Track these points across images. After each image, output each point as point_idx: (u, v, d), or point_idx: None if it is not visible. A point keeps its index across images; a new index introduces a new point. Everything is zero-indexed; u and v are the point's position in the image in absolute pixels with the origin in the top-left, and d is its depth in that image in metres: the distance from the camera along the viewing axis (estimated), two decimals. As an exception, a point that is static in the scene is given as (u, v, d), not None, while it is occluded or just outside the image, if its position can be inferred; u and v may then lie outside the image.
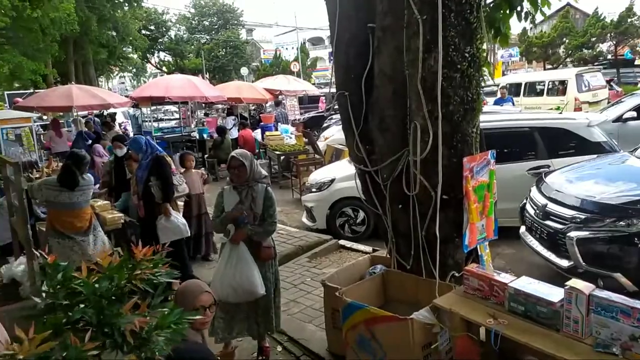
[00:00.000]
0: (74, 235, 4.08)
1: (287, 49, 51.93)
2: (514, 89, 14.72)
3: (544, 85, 14.49)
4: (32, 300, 3.99)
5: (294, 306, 4.51)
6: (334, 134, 12.41)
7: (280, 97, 16.15)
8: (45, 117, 13.50)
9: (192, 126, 14.64)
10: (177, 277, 1.91)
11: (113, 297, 1.48)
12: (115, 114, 17.29)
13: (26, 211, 4.35)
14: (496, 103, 12.10)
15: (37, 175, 4.67)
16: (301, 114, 17.65)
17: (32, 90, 17.35)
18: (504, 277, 2.55)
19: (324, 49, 54.07)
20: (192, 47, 43.37)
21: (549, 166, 5.80)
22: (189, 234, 5.26)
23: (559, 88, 13.94)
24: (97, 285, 1.46)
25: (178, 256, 4.67)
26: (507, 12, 3.15)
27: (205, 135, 13.23)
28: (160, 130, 14.04)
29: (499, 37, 3.24)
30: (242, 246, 3.49)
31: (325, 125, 14.36)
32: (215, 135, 12.17)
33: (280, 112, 14.86)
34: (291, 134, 12.28)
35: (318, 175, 7.37)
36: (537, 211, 4.63)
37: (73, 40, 24.26)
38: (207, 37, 42.89)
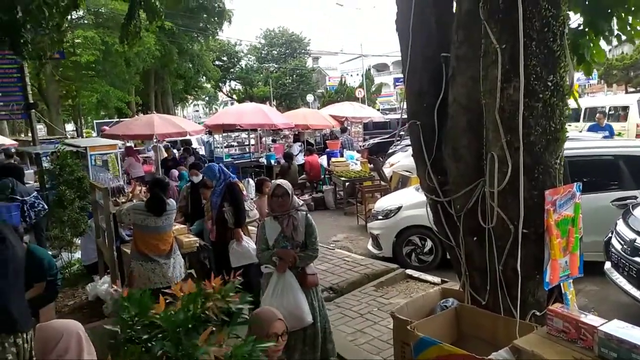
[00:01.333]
0: (157, 258, 4.29)
1: (351, 75, 52.66)
2: (573, 114, 13.87)
3: (604, 110, 13.58)
4: (114, 319, 4.22)
5: (360, 337, 4.44)
6: (400, 160, 12.32)
7: (345, 123, 16.32)
8: (120, 144, 14.49)
9: (260, 152, 15.11)
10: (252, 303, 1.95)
11: (189, 327, 1.53)
12: (190, 141, 18.25)
13: (112, 234, 4.67)
14: (591, 130, 11.29)
15: (123, 200, 5.00)
16: (365, 139, 17.70)
17: (117, 119, 18.74)
18: (592, 320, 2.37)
19: (388, 74, 54.29)
20: (261, 75, 45.15)
21: (636, 197, 5.38)
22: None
23: (620, 114, 13.06)
24: (174, 319, 1.52)
25: (248, 281, 4.77)
26: (594, 37, 3.00)
27: (272, 161, 13.59)
28: (231, 156, 14.61)
29: (582, 64, 3.10)
30: (288, 274, 3.53)
31: (390, 151, 14.29)
32: (282, 161, 12.46)
33: (345, 138, 14.99)
34: (357, 160, 12.34)
35: (384, 202, 7.31)
36: (625, 246, 4.29)
37: (154, 72, 26.07)
38: (275, 65, 44.54)
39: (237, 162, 13.92)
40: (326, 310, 3.82)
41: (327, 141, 15.56)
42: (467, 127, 2.98)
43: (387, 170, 11.20)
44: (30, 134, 20.14)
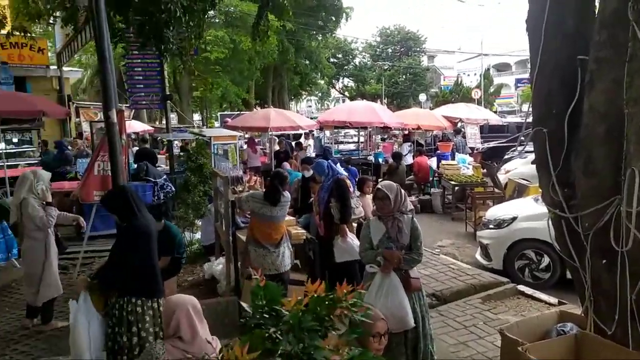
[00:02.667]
0: (268, 246, 4.54)
1: (468, 75, 50.44)
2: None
3: None
4: (226, 297, 4.53)
5: (463, 349, 4.27)
6: (517, 167, 11.57)
7: (459, 125, 15.70)
8: (246, 136, 15.49)
9: (369, 150, 15.15)
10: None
11: (310, 331, 1.58)
12: (301, 135, 18.90)
13: (230, 219, 5.02)
14: None
15: (241, 189, 5.34)
16: (481, 143, 16.85)
17: (238, 112, 20.05)
18: None
19: (509, 75, 51.09)
20: (374, 73, 45.14)
21: None
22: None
23: None
24: (301, 318, 1.58)
25: (350, 277, 4.83)
26: None
27: (380, 160, 13.55)
28: (340, 153, 14.84)
29: None
30: (393, 275, 3.49)
31: (507, 157, 13.45)
32: (391, 160, 12.36)
33: (459, 140, 14.43)
34: (469, 164, 11.82)
35: (498, 211, 6.91)
36: None
37: (273, 68, 27.40)
38: (389, 63, 44.20)
39: (345, 158, 14.11)
40: (429, 316, 3.73)
41: (438, 143, 15.11)
42: (604, 137, 2.71)
43: (502, 177, 10.57)
44: (163, 122, 22.33)
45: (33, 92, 12.44)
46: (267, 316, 1.61)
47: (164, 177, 8.69)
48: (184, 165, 8.17)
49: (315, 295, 1.65)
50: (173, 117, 25.02)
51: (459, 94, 33.37)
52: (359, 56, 46.67)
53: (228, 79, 22.87)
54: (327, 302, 1.64)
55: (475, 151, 13.54)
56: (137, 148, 11.52)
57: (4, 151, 9.37)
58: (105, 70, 5.48)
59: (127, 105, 11.08)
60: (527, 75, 39.79)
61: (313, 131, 16.64)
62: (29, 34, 9.59)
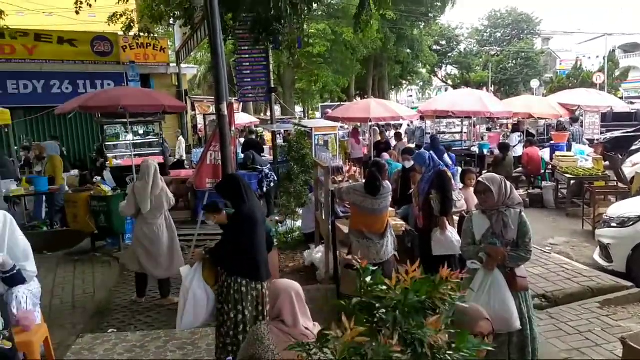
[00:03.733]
0: (372, 237, 4.55)
1: (589, 58, 45.70)
2: None
3: None
4: (325, 285, 4.65)
5: (577, 356, 3.94)
6: (646, 159, 10.34)
7: (578, 112, 14.34)
8: (346, 127, 15.64)
9: (473, 141, 14.45)
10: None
11: (418, 308, 1.59)
12: (401, 125, 18.60)
13: (330, 209, 5.12)
14: None
15: (340, 179, 5.42)
16: (601, 133, 15.26)
17: (339, 103, 20.28)
18: None
19: (639, 56, 45.45)
20: (480, 59, 42.84)
21: None
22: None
23: None
24: (406, 295, 1.59)
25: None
26: None
27: (485, 151, 12.87)
28: (442, 144, 14.35)
29: None
30: (497, 273, 3.28)
31: (634, 148, 12.05)
32: (497, 152, 11.69)
33: (576, 130, 13.20)
34: (587, 155, 10.77)
35: (621, 208, 6.23)
36: None
37: (374, 58, 27.22)
38: (498, 49, 41.63)
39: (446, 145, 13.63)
40: (535, 319, 3.49)
41: (552, 132, 13.96)
42: None
43: (628, 171, 9.49)
44: (268, 114, 23.31)
45: (155, 88, 13.71)
46: (371, 297, 1.64)
47: (268, 166, 9.11)
48: (285, 155, 8.49)
49: (417, 277, 1.65)
50: (277, 109, 26.08)
51: (578, 79, 30.44)
52: (464, 42, 44.56)
53: (330, 70, 23.19)
54: (428, 284, 1.62)
55: (596, 141, 12.29)
56: (244, 139, 12.18)
57: (132, 142, 10.45)
58: (218, 66, 5.86)
59: (236, 98, 11.73)
60: (662, 56, 35.07)
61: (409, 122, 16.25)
62: (152, 35, 10.58)
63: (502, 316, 3.18)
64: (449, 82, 44.93)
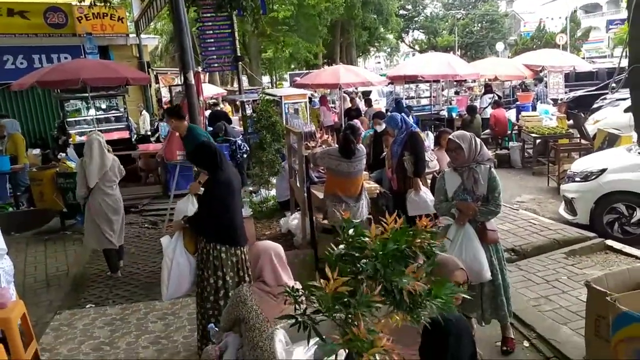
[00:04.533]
0: (347, 200, 4.59)
1: (552, 19, 46.29)
2: None
3: None
4: (303, 249, 4.71)
5: (545, 303, 4.14)
6: (607, 116, 10.69)
7: (542, 73, 14.63)
8: (315, 94, 15.51)
9: (441, 105, 14.60)
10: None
11: (397, 257, 1.63)
12: (370, 92, 18.56)
13: (304, 175, 5.12)
14: None
15: (313, 145, 5.41)
16: (566, 92, 15.64)
17: (307, 71, 20.03)
18: None
19: (600, 16, 46.33)
20: (446, 23, 42.86)
21: None
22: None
23: None
24: (385, 245, 1.63)
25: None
26: None
27: (454, 114, 13.04)
28: (411, 109, 14.46)
29: None
30: (468, 227, 3.40)
31: (596, 106, 12.42)
32: (465, 114, 11.87)
33: (541, 90, 13.47)
34: (552, 115, 11.06)
35: (585, 163, 6.47)
36: None
37: (340, 24, 26.84)
38: (463, 12, 41.68)
39: (417, 114, 13.73)
40: (507, 270, 3.63)
41: (517, 94, 14.23)
42: None
43: (590, 128, 9.81)
44: (235, 84, 22.79)
45: (115, 60, 13.16)
46: (352, 248, 1.67)
47: (240, 137, 8.99)
48: (255, 125, 8.38)
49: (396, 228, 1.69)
50: (244, 79, 25.59)
51: (541, 40, 30.95)
52: (430, 6, 44.40)
53: (296, 37, 22.80)
54: (407, 234, 1.67)
55: (560, 101, 12.60)
56: (209, 112, 11.92)
57: (95, 117, 10.11)
58: (182, 32, 5.69)
59: (202, 68, 11.43)
60: (620, 16, 35.82)
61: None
62: (109, 4, 10.09)
63: (474, 268, 3.30)
64: (416, 47, 44.94)
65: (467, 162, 3.44)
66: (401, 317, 1.68)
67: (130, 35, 14.28)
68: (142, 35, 14.42)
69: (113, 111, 11.40)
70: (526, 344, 3.61)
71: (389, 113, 7.36)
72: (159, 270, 5.37)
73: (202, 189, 3.64)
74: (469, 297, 1.97)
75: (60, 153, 8.72)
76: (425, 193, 5.31)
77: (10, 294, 3.57)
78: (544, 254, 5.23)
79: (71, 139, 9.84)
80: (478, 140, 3.54)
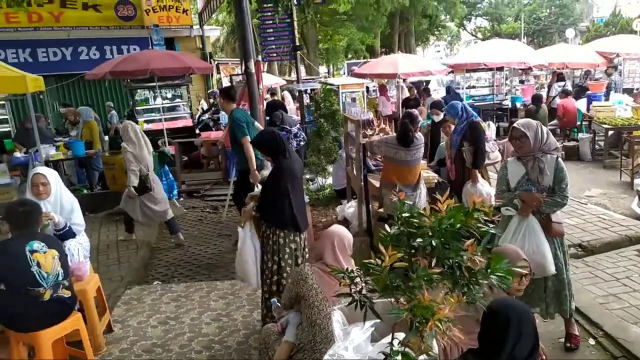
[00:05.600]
0: (405, 188, 4.55)
1: (629, 3, 42.97)
2: None
3: None
4: (359, 237, 4.73)
5: (614, 301, 3.94)
6: (690, 106, 9.87)
7: (616, 61, 13.68)
8: (374, 85, 15.35)
9: (504, 94, 14.04)
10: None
11: (453, 234, 1.63)
12: (429, 81, 18.14)
13: (361, 162, 5.13)
14: None
15: (371, 133, 5.39)
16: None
17: (365, 60, 19.89)
18: None
19: (686, -1, 42.45)
20: (512, 10, 40.89)
21: None
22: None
23: None
24: (440, 223, 1.63)
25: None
26: None
27: (518, 104, 12.51)
28: (472, 98, 14.02)
29: None
30: (531, 218, 3.28)
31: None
32: (530, 104, 11.35)
33: (615, 78, 12.62)
34: (626, 105, 10.35)
35: (663, 156, 6.04)
36: None
37: (400, 13, 26.33)
38: (531, -3, 39.63)
39: (478, 104, 13.30)
40: (570, 266, 3.48)
41: (588, 82, 13.41)
42: None
43: (671, 119, 9.11)
44: (292, 74, 23.00)
45: (180, 51, 13.70)
46: (410, 227, 1.69)
47: (297, 125, 9.11)
48: (313, 113, 8.45)
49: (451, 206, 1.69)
50: (302, 69, 25.80)
51: (616, 26, 28.79)
52: (494, -9, 42.49)
53: (354, 27, 22.63)
54: (461, 213, 1.66)
55: (635, 90, 11.76)
56: (265, 102, 12.14)
57: (162, 105, 10.58)
58: (243, 22, 5.83)
59: (261, 58, 11.64)
60: None
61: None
62: (175, -4, 10.51)
63: (538, 261, 3.19)
64: (479, 35, 43.28)
65: (532, 151, 3.31)
66: (457, 299, 1.68)
67: (194, 27, 14.79)
68: (205, 27, 14.89)
69: (177, 100, 11.87)
70: (592, 342, 3.46)
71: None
72: (220, 252, 5.68)
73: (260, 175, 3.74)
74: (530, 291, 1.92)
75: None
76: (483, 185, 5.17)
77: (87, 267, 3.86)
78: (614, 251, 4.97)
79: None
80: (544, 128, 3.40)
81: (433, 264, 1.61)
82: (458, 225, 1.62)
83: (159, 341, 3.80)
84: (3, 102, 10.74)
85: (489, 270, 1.60)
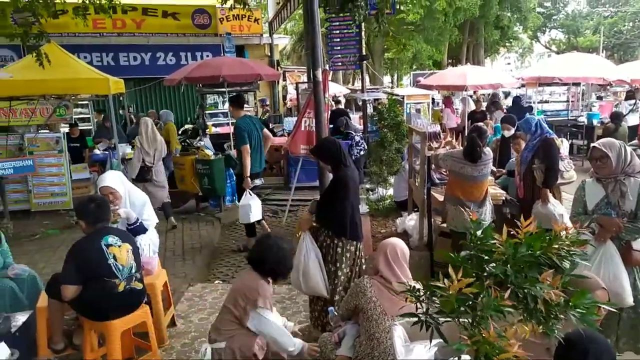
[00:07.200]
0: (470, 204, 4.41)
1: None
2: None
3: None
4: (419, 251, 4.64)
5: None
6: None
7: None
8: (439, 95, 15.07)
9: (580, 110, 13.30)
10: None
11: (530, 263, 1.55)
12: (497, 94, 17.54)
13: (425, 175, 5.04)
14: None
15: (436, 146, 5.28)
16: None
17: (431, 71, 19.58)
18: None
19: None
20: (591, 22, 38.77)
21: None
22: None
23: None
24: (516, 250, 1.56)
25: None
26: None
27: (595, 121, 11.81)
28: (544, 113, 13.40)
29: None
30: (609, 245, 3.07)
31: None
32: (608, 122, 10.67)
33: None
34: None
35: None
36: None
37: (469, 24, 25.71)
38: (612, 10, 37.37)
39: (550, 119, 12.67)
40: None
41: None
42: None
43: None
44: (356, 83, 22.99)
45: (249, 58, 14.15)
46: (480, 250, 1.62)
47: (359, 134, 9.12)
48: (377, 123, 8.42)
49: (530, 231, 1.60)
50: (366, 78, 25.77)
51: None
52: (572, 3, 40.54)
53: (422, 38, 22.36)
54: (542, 239, 1.57)
55: None
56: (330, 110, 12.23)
57: (229, 110, 10.95)
58: (314, 31, 5.90)
59: (328, 67, 11.77)
60: None
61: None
62: (247, 6, 10.87)
63: (614, 291, 2.98)
64: (553, 47, 41.38)
65: (614, 173, 3.11)
66: (531, 328, 1.60)
67: (264, 35, 15.24)
68: (274, 35, 15.30)
69: (245, 105, 12.25)
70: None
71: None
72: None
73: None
74: (604, 321, 1.78)
75: (200, 141, 9.62)
76: (554, 206, 4.91)
77: (156, 263, 4.06)
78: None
79: (208, 129, 10.81)
80: (628, 149, 3.18)
81: (507, 295, 1.54)
82: (538, 252, 1.54)
83: (217, 339, 3.91)
84: (86, 102, 11.56)
85: (570, 304, 1.51)
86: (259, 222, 6.08)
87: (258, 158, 6.08)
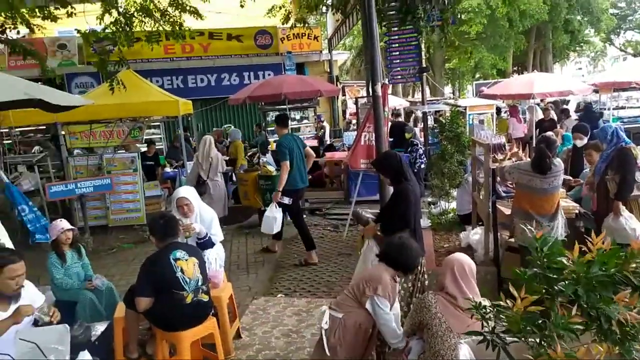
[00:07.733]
0: (540, 219, 4.16)
1: None
2: None
3: None
4: (485, 267, 4.49)
5: None
6: None
7: None
8: (504, 104, 14.55)
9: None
10: None
11: (603, 282, 1.47)
12: (568, 101, 16.68)
13: (490, 188, 4.88)
14: None
15: (501, 157, 5.10)
16: None
17: (494, 80, 19.00)
18: None
19: None
20: (672, 21, 35.95)
21: None
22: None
23: None
24: (588, 268, 1.48)
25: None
26: None
27: (679, 129, 10.91)
28: (620, 119, 12.55)
29: None
30: None
31: None
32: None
33: None
34: None
35: None
36: None
37: (535, 29, 24.69)
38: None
39: (627, 126, 11.83)
40: None
41: None
42: None
43: None
44: (416, 95, 22.72)
45: (309, 75, 14.46)
46: (548, 269, 1.56)
47: (422, 147, 9.01)
48: (437, 135, 8.28)
49: (603, 249, 1.51)
50: (426, 90, 25.43)
51: None
52: (651, 1, 37.76)
53: (485, 46, 21.75)
54: (617, 257, 1.48)
55: None
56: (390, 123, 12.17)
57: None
58: (373, 46, 5.96)
59: (387, 80, 11.75)
60: None
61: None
62: (307, 25, 11.15)
63: None
64: (629, 50, 38.74)
65: None
66: (606, 349, 1.50)
67: (323, 52, 15.53)
68: (334, 52, 15.53)
69: (305, 121, 12.49)
70: None
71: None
72: (339, 271, 5.78)
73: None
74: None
75: (262, 157, 9.92)
76: (627, 219, 4.59)
77: (222, 276, 4.21)
78: None
79: (270, 146, 11.11)
80: None
81: (574, 312, 1.46)
82: (612, 270, 1.46)
83: (281, 352, 3.98)
84: (158, 123, 12.29)
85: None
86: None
87: (299, 175, 6.21)
